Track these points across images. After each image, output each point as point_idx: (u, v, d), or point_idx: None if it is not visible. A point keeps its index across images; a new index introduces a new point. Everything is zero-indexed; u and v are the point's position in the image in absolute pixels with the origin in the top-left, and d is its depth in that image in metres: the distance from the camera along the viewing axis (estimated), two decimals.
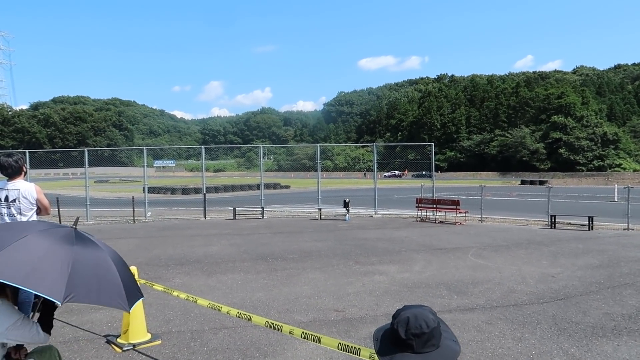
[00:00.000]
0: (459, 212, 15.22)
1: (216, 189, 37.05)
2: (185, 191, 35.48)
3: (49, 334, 2.65)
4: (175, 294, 4.86)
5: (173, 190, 36.18)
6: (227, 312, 4.28)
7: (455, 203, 15.34)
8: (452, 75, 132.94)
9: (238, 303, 6.14)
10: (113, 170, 68.08)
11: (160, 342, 4.88)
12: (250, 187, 40.54)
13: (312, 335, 3.28)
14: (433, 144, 20.83)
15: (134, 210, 16.49)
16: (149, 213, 17.56)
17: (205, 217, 17.19)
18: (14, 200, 4.91)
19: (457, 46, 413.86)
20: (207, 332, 5.18)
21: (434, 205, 16.22)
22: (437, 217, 16.19)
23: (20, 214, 4.95)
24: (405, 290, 6.77)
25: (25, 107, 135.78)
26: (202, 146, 20.73)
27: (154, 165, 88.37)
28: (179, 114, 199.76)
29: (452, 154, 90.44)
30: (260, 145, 23.09)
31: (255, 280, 7.50)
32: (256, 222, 15.89)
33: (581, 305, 5.94)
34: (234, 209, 17.35)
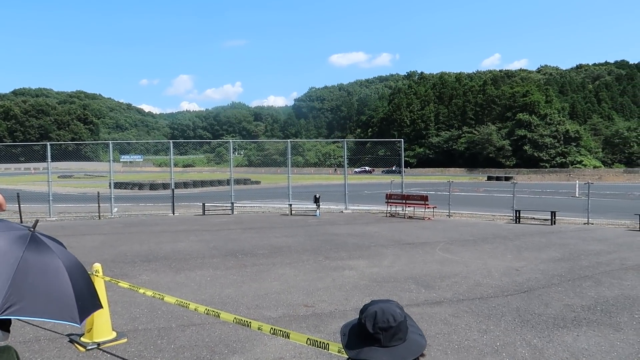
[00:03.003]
0: (428, 208, 15.45)
1: (185, 185, 36.51)
2: (153, 187, 34.82)
3: (8, 331, 2.54)
4: (141, 291, 4.76)
5: (140, 186, 35.46)
6: (195, 309, 4.23)
7: (424, 199, 15.56)
8: (422, 73, 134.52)
9: (207, 300, 6.07)
10: (78, 165, 66.26)
11: (126, 340, 4.78)
12: (220, 182, 40.11)
13: (280, 331, 3.28)
14: (403, 140, 21.06)
15: (99, 206, 16.08)
16: (115, 209, 17.17)
17: (173, 213, 16.92)
18: None
19: (427, 44, 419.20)
20: (175, 329, 5.10)
21: (403, 201, 16.42)
22: (407, 212, 16.39)
23: None
24: (374, 284, 6.83)
25: None
26: (171, 141, 20.39)
27: (121, 160, 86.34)
28: (147, 108, 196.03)
29: (421, 150, 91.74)
30: (230, 141, 22.82)
31: (224, 276, 7.43)
32: (226, 218, 15.74)
33: (543, 298, 6.13)
34: (203, 204, 17.14)
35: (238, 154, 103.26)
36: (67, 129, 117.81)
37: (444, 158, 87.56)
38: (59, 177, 46.30)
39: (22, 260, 2.21)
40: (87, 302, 2.39)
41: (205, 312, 4.08)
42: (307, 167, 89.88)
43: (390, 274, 7.47)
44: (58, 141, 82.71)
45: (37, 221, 2.68)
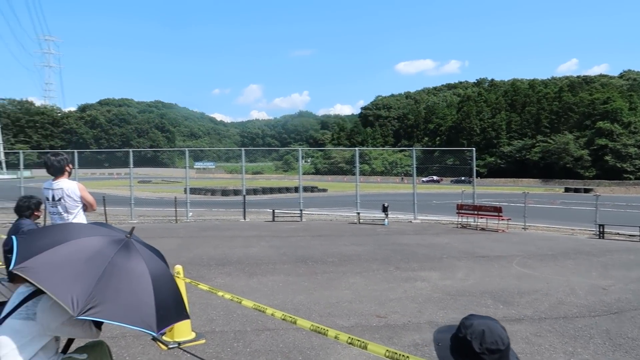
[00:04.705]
0: (501, 219, 14.83)
1: (255, 191, 37.50)
2: (224, 193, 36.07)
3: (100, 329, 2.68)
4: (220, 294, 4.91)
5: (213, 192, 36.84)
6: (272, 314, 4.29)
7: (498, 210, 14.95)
8: (492, 80, 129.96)
9: (279, 305, 6.15)
10: (155, 171, 69.94)
11: (204, 341, 4.95)
12: (287, 189, 40.85)
13: (358, 341, 3.24)
14: (474, 149, 20.39)
15: (176, 211, 16.86)
16: (190, 213, 17.91)
17: (244, 219, 17.39)
18: (60, 199, 5.06)
19: (498, 50, 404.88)
20: (250, 333, 5.21)
21: (475, 212, 15.86)
22: (479, 223, 15.83)
23: (67, 212, 5.09)
24: (448, 298, 6.63)
25: (73, 109, 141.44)
26: (242, 148, 21.02)
27: (195, 166, 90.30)
28: (218, 116, 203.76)
29: (492, 159, 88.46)
30: (299, 149, 23.19)
31: (295, 282, 7.51)
32: (295, 225, 15.96)
33: (637, 321, 5.66)
34: (273, 211, 17.49)
35: (305, 161, 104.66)
36: (146, 136, 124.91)
37: (517, 168, 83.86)
38: (138, 182, 49.14)
39: (110, 263, 2.35)
40: (171, 312, 2.44)
41: (282, 317, 4.13)
42: (373, 175, 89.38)
43: (465, 288, 7.22)
44: (138, 148, 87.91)
45: (133, 228, 2.83)
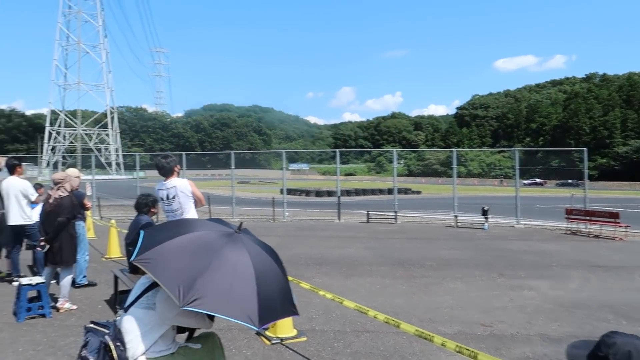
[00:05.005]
0: (619, 226, 13.48)
1: (348, 193, 37.70)
2: (318, 193, 36.69)
3: (212, 320, 2.78)
4: (321, 293, 4.96)
5: (307, 192, 37.63)
6: (375, 317, 4.24)
7: (614, 216, 13.63)
8: (604, 74, 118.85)
9: (378, 308, 6.06)
10: (253, 172, 73.07)
11: (305, 339, 5.02)
12: (381, 191, 40.59)
13: (467, 350, 3.08)
14: (585, 149, 18.75)
15: (274, 210, 17.43)
16: (287, 213, 18.40)
17: (339, 219, 17.53)
18: (174, 197, 5.40)
19: (610, 42, 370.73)
20: (350, 334, 5.20)
21: (588, 217, 14.58)
22: (591, 230, 14.53)
23: (181, 208, 5.43)
24: (561, 309, 6.13)
25: (180, 114, 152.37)
26: (337, 150, 21.21)
27: (289, 168, 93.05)
28: (312, 119, 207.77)
29: (604, 161, 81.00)
30: (394, 150, 22.89)
31: (393, 285, 7.39)
32: (389, 227, 15.78)
33: None
34: (368, 212, 17.44)
35: (398, 163, 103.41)
36: (244, 139, 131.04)
37: (634, 170, 75.98)
38: (237, 182, 51.60)
39: (217, 257, 2.40)
40: (276, 307, 2.44)
41: (385, 320, 4.07)
42: (469, 177, 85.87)
43: (580, 300, 6.64)
44: (238, 150, 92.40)
45: (241, 223, 2.91)
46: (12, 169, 7.39)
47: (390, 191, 34.07)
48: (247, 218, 18.44)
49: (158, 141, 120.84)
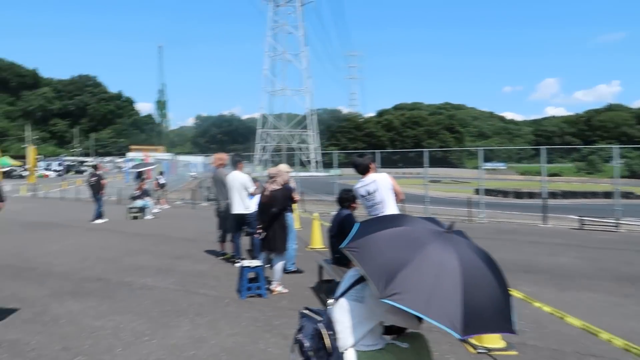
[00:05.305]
0: None
1: (553, 195, 34.02)
2: (517, 195, 34.03)
3: (421, 322, 2.64)
4: (536, 304, 4.46)
5: (505, 193, 35.20)
6: (608, 340, 3.61)
7: None
8: None
9: (605, 329, 5.19)
10: (444, 171, 71.44)
11: (516, 353, 4.56)
12: (594, 194, 35.67)
13: None
14: None
15: (470, 211, 16.64)
16: (483, 214, 17.39)
17: (544, 224, 15.85)
18: (375, 192, 5.43)
19: None
20: (570, 355, 4.55)
21: None
22: None
23: (383, 201, 5.44)
24: None
25: (372, 114, 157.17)
26: (542, 147, 19.18)
27: (484, 167, 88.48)
28: (508, 115, 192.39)
29: None
30: (614, 147, 19.80)
31: (622, 305, 6.28)
32: (609, 235, 13.64)
33: None
34: (581, 218, 15.37)
35: (617, 163, 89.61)
36: (436, 137, 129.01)
37: None
38: (429, 181, 50.97)
39: (422, 253, 2.31)
40: (486, 319, 2.23)
41: (625, 347, 3.41)
42: None
43: None
44: (429, 149, 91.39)
45: (453, 223, 2.71)
46: (235, 164, 8.53)
47: (606, 194, 29.68)
48: (441, 218, 17.92)
49: (351, 140, 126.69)
